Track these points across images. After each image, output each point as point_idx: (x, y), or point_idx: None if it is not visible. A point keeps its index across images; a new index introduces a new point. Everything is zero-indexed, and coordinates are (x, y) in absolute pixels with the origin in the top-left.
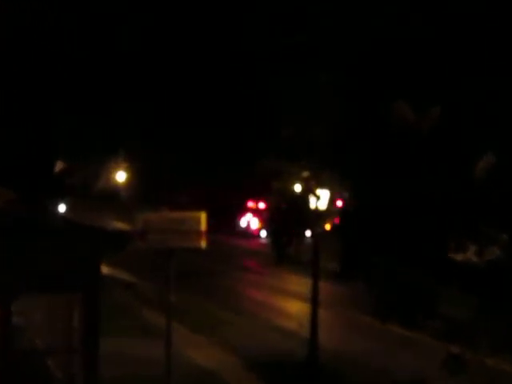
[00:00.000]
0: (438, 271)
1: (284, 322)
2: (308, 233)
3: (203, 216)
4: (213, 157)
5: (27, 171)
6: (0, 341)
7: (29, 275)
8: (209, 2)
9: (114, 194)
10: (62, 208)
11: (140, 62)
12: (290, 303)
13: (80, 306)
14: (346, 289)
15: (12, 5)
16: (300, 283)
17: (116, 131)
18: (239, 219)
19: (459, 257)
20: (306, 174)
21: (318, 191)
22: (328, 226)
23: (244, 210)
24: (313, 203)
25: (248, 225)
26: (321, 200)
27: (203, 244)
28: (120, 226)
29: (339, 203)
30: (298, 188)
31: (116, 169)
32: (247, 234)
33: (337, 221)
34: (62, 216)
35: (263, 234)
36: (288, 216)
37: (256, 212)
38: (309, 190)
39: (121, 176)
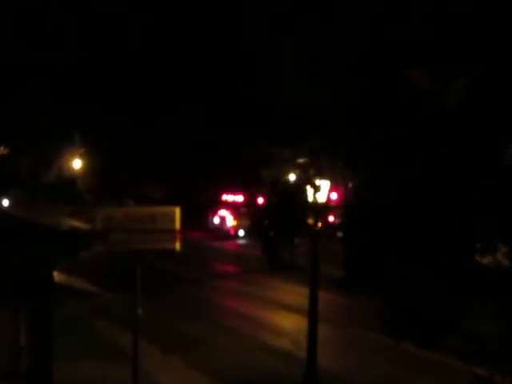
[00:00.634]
0: (462, 277)
1: (275, 340)
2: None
3: (177, 212)
4: (183, 142)
5: None
6: None
7: None
8: None
9: (68, 185)
10: (4, 202)
11: (103, 34)
12: (283, 317)
13: (28, 321)
14: (351, 300)
15: None
16: (295, 293)
17: (70, 111)
18: (211, 216)
19: (486, 260)
20: (302, 160)
21: (317, 181)
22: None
23: (217, 205)
24: (310, 195)
25: (222, 222)
26: (320, 191)
27: (177, 246)
28: (76, 224)
29: (333, 195)
30: (292, 177)
31: (71, 155)
32: (221, 233)
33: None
34: (5, 212)
35: (241, 233)
36: (281, 211)
37: (232, 207)
38: (306, 180)
39: (77, 164)
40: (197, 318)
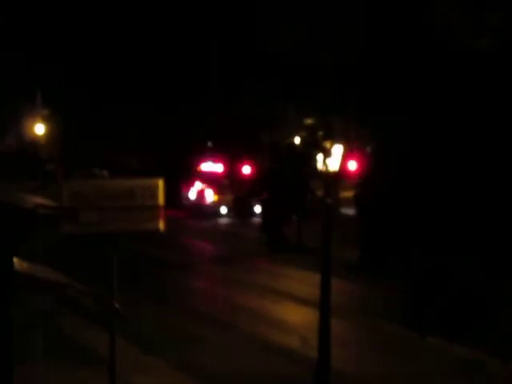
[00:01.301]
0: (501, 263)
1: (280, 336)
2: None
3: (160, 185)
4: (162, 101)
5: None
6: None
7: None
8: None
9: (29, 153)
10: None
11: None
12: (288, 310)
13: None
14: (369, 288)
15: None
16: (303, 280)
17: (32, 66)
18: (185, 189)
19: None
20: (309, 120)
21: (328, 144)
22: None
23: (193, 176)
24: (320, 162)
25: (199, 198)
26: (332, 157)
27: (161, 226)
28: (39, 201)
29: (352, 165)
30: (297, 141)
31: (32, 118)
32: (199, 210)
33: None
34: None
35: (223, 210)
36: (284, 181)
37: (210, 179)
38: (314, 144)
39: (39, 129)
40: (185, 311)
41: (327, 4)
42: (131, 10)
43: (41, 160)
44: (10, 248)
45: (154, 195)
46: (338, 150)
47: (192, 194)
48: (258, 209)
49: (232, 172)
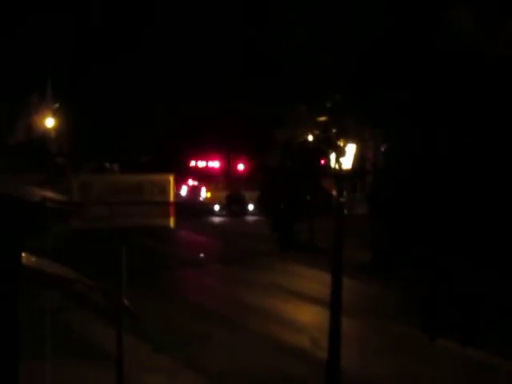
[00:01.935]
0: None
1: (290, 336)
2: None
3: (171, 180)
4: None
5: None
6: None
7: None
8: None
9: (38, 147)
10: None
11: None
12: (299, 309)
13: None
14: (380, 289)
15: None
16: (313, 280)
17: (41, 58)
18: (178, 186)
19: None
20: (322, 118)
21: (341, 143)
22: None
23: (184, 173)
24: (333, 160)
25: (192, 194)
26: (345, 155)
27: (171, 222)
28: (49, 194)
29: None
30: (309, 139)
31: (42, 112)
32: (191, 207)
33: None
34: None
35: (216, 208)
36: (296, 179)
37: (204, 176)
38: (327, 141)
39: (49, 122)
40: (194, 310)
41: (340, 2)
42: (143, 4)
43: (50, 153)
44: (18, 242)
45: (165, 191)
46: (351, 148)
47: (183, 191)
48: (251, 207)
49: (227, 169)
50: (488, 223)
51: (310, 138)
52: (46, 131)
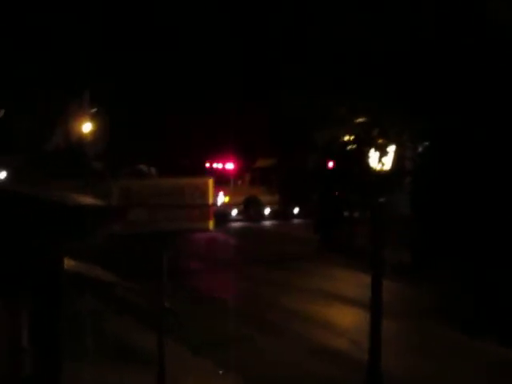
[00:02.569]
0: None
1: (329, 339)
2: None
3: (210, 184)
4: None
5: None
6: None
7: None
8: None
9: (76, 153)
10: (1, 175)
11: None
12: (338, 311)
13: (31, 318)
14: (420, 290)
15: None
16: (352, 282)
17: (80, 63)
18: None
19: None
20: (361, 119)
21: (383, 142)
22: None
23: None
24: (374, 161)
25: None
26: (387, 155)
27: (211, 225)
28: (87, 200)
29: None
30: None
31: (79, 117)
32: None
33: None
34: (1, 186)
35: (234, 212)
36: (338, 180)
37: (221, 179)
38: (369, 141)
39: (86, 127)
40: (232, 312)
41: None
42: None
43: (88, 159)
44: (58, 247)
45: (204, 194)
46: (391, 149)
47: None
48: (267, 211)
49: (243, 172)
50: None
51: (346, 138)
52: (83, 136)
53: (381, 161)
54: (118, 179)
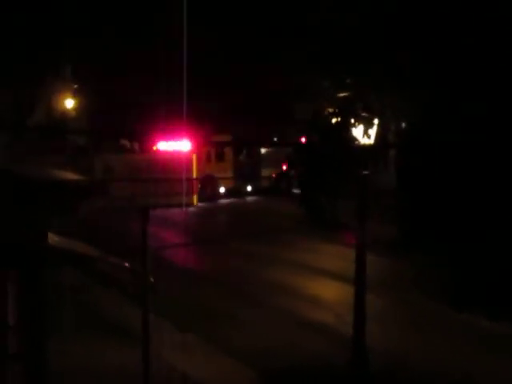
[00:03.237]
0: None
1: (314, 312)
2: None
3: (194, 159)
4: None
5: None
6: None
7: None
8: None
9: (58, 128)
10: None
11: None
12: (323, 285)
13: (17, 295)
14: (406, 264)
15: None
16: (337, 256)
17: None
18: None
19: None
20: (344, 93)
21: (368, 115)
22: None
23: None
24: (359, 135)
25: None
26: (373, 127)
27: (195, 199)
28: (69, 175)
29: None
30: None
31: (61, 92)
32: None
33: None
34: None
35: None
36: (323, 153)
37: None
38: (354, 115)
39: (68, 103)
40: (217, 287)
41: None
42: None
43: (70, 134)
44: (43, 222)
45: (188, 169)
46: (375, 122)
47: None
48: (222, 189)
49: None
50: None
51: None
52: (66, 112)
53: (366, 133)
54: (100, 155)
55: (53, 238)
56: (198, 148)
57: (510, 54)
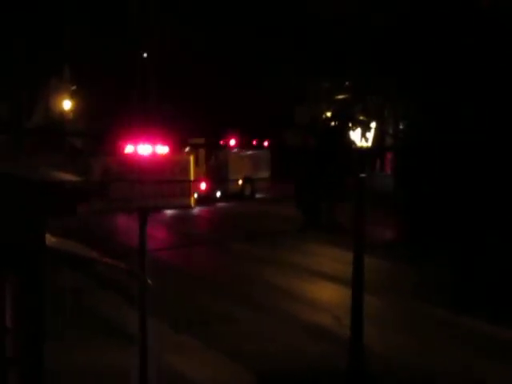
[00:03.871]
0: None
1: (313, 315)
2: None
3: (191, 160)
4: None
5: None
6: None
7: None
8: None
9: (55, 129)
10: None
11: None
12: (321, 288)
13: (14, 297)
14: (405, 267)
15: None
16: (336, 259)
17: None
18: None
19: None
20: (344, 95)
21: (365, 118)
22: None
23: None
24: (356, 138)
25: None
26: (370, 131)
27: (192, 202)
28: (67, 176)
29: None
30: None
31: (59, 94)
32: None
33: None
34: None
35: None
36: (321, 156)
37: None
38: (351, 118)
39: (66, 104)
40: (216, 289)
41: None
42: None
43: (67, 135)
44: (40, 223)
45: (185, 171)
46: (372, 125)
47: None
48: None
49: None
50: None
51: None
52: (64, 113)
53: (364, 136)
54: (98, 156)
55: (50, 239)
56: (174, 152)
57: (509, 56)
